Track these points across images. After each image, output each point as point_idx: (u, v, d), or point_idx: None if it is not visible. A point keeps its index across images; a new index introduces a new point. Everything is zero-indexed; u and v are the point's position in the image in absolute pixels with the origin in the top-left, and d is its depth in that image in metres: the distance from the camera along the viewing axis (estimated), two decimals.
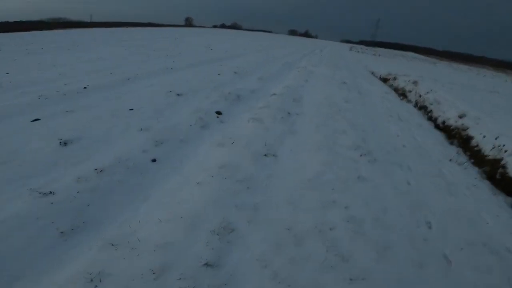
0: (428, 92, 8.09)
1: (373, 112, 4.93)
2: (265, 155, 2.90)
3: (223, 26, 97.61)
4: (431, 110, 6.99)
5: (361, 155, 3.15)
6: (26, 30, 16.25)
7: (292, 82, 6.01)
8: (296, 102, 4.66)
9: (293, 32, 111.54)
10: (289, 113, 4.03)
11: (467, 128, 5.52)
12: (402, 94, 8.53)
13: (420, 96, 7.87)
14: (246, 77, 6.16)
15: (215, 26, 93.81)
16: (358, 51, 30.92)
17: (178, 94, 4.36)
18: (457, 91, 8.65)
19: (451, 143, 5.03)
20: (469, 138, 5.37)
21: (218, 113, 3.97)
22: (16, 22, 23.76)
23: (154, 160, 2.58)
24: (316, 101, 4.87)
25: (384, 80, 10.99)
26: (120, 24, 39.56)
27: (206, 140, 3.07)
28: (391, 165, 3.11)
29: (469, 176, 3.40)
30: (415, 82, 9.44)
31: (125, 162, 2.32)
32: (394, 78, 10.52)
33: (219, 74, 6.03)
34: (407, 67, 16.89)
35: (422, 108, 7.17)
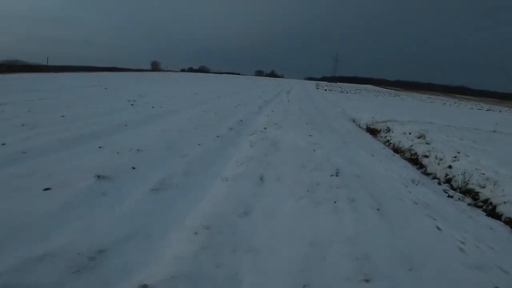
0: (456, 158, 5.07)
1: None
2: None
3: (191, 69, 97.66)
4: (488, 201, 3.85)
5: None
6: None
7: (231, 193, 2.56)
8: None
9: (259, 73, 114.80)
10: None
11: None
12: (412, 159, 5.48)
13: (449, 167, 4.82)
14: (118, 192, 2.61)
15: (183, 70, 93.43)
16: (325, 89, 29.55)
17: None
18: (484, 146, 5.82)
19: None
20: None
21: None
22: None
23: None
24: None
25: (372, 131, 8.15)
26: (77, 69, 35.91)
27: None
28: None
29: None
30: (422, 137, 6.58)
31: None
32: (388, 130, 7.68)
33: (49, 190, 2.42)
34: (382, 106, 14.66)
35: (467, 193, 4.02)
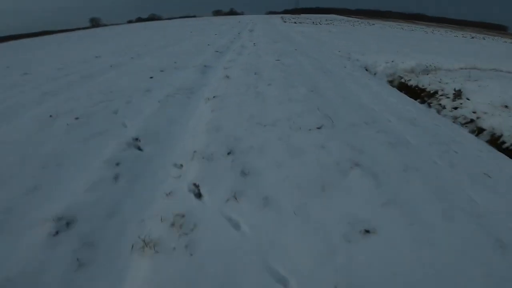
0: None
1: None
2: None
3: (139, 20, 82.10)
4: None
5: None
6: None
7: None
8: None
9: (218, 13, 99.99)
10: None
11: None
12: None
13: None
14: None
15: (130, 21, 78.65)
16: (295, 22, 23.90)
17: None
18: None
19: None
20: None
21: None
22: None
23: None
24: None
25: (412, 92, 4.27)
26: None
27: None
28: None
29: None
30: None
31: None
32: (457, 94, 3.79)
33: None
34: (377, 40, 10.55)
35: None
